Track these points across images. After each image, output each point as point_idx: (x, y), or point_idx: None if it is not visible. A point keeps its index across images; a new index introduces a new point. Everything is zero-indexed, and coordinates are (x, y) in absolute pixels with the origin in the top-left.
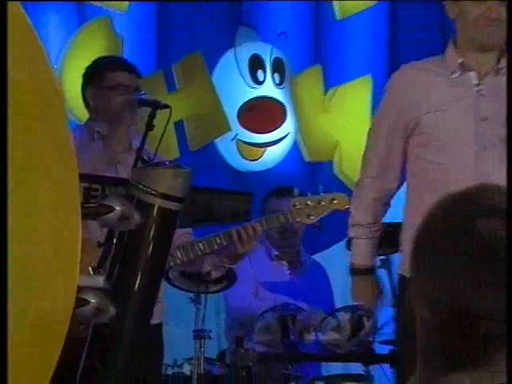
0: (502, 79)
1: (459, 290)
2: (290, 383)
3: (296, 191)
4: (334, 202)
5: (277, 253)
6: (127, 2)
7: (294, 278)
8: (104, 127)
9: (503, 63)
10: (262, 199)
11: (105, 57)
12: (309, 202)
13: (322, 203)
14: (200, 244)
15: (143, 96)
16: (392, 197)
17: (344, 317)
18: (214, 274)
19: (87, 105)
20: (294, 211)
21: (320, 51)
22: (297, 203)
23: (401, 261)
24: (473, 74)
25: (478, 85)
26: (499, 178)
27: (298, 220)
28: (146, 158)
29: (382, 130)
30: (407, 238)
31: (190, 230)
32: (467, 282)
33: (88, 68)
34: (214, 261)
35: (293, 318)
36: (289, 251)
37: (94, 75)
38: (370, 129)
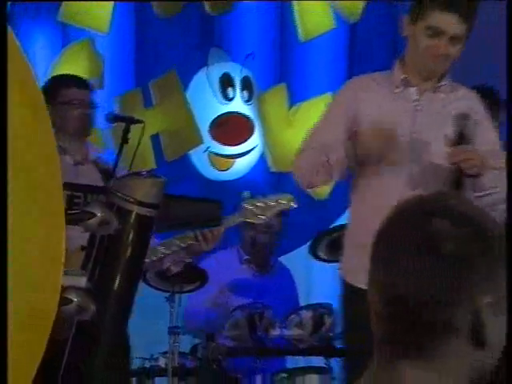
0: (440, 96)
1: (410, 283)
2: (257, 375)
3: (246, 194)
4: (281, 202)
5: (247, 257)
6: (108, 24)
7: (262, 280)
8: (64, 141)
9: (443, 82)
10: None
11: (58, 75)
12: (258, 204)
13: (270, 204)
14: (162, 248)
15: (95, 108)
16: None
17: (306, 314)
18: (174, 269)
19: None
20: (244, 212)
21: (285, 70)
22: (247, 205)
23: (343, 264)
24: (413, 90)
25: (417, 100)
26: (430, 187)
27: (248, 220)
28: (105, 166)
29: (328, 126)
30: (350, 243)
31: None
32: (418, 275)
33: (43, 87)
34: (174, 257)
35: (260, 315)
36: (258, 256)
37: (50, 93)
38: (320, 122)
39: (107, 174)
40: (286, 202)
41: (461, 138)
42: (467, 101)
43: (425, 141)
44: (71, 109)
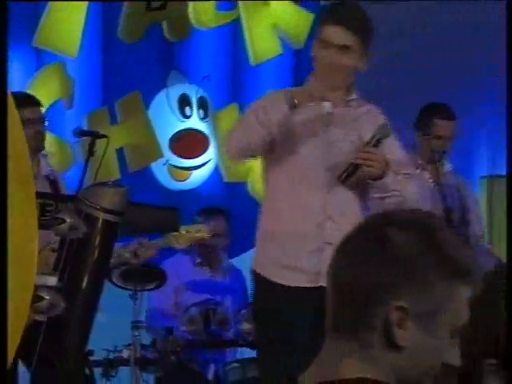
0: (350, 110)
1: (356, 278)
2: (210, 365)
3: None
4: (199, 232)
5: (200, 260)
6: (77, 49)
7: (215, 280)
8: None
9: (350, 97)
10: (194, 212)
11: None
12: (182, 232)
13: (191, 232)
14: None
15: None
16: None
17: None
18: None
19: None
20: (172, 238)
21: (237, 92)
22: (175, 232)
23: (257, 259)
24: (327, 104)
25: (330, 113)
26: (342, 191)
27: (173, 244)
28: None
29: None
30: (260, 238)
31: None
32: (364, 271)
33: None
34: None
35: (213, 311)
36: (210, 259)
37: None
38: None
39: (56, 187)
40: (203, 232)
41: (374, 144)
42: (373, 115)
43: (337, 150)
44: (26, 128)
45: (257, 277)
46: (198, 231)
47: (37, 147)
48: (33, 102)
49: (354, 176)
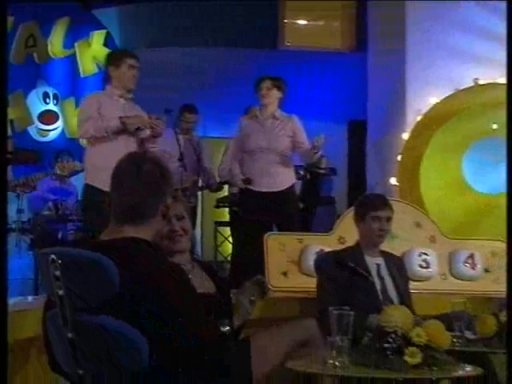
0: (131, 99)
1: (123, 192)
2: (60, 231)
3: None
4: (75, 166)
5: (54, 177)
6: None
7: (62, 187)
8: None
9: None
10: (55, 153)
11: None
12: (64, 165)
13: (70, 165)
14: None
15: None
16: None
17: None
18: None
19: None
20: (57, 169)
21: (74, 90)
22: (59, 165)
23: (87, 175)
24: (123, 99)
25: (125, 102)
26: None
27: (58, 173)
28: None
29: (89, 108)
30: (90, 164)
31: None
32: (125, 189)
33: None
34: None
35: (61, 204)
36: (62, 176)
37: None
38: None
39: None
40: (77, 166)
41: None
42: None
43: (132, 122)
44: None
45: (87, 186)
46: (75, 166)
47: None
48: None
49: (142, 133)
